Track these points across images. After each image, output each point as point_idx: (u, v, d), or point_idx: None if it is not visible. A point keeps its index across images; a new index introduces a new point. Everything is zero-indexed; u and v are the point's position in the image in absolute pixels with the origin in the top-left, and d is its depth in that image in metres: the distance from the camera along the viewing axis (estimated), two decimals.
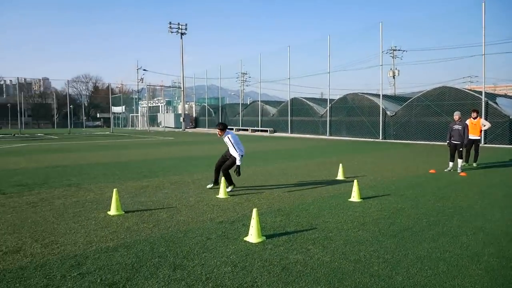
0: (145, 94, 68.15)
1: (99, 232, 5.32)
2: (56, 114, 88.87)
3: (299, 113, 36.20)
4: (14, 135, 39.32)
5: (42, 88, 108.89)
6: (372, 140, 27.21)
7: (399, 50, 53.84)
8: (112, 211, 6.39)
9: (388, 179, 9.95)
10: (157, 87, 73.67)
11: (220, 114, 50.58)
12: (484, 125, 13.66)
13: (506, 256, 4.40)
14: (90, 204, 7.13)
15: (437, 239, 5.02)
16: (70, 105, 54.19)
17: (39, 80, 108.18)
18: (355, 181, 7.67)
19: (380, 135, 27.41)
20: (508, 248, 4.67)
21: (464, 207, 6.84)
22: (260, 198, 7.60)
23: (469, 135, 11.76)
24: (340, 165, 10.50)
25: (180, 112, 58.92)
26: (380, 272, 3.94)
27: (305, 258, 4.34)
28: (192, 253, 4.50)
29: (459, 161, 11.30)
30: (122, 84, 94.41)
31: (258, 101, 43.26)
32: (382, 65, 28.35)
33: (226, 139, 8.16)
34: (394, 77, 55.14)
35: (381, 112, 27.44)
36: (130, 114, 72.69)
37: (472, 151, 12.68)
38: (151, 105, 65.09)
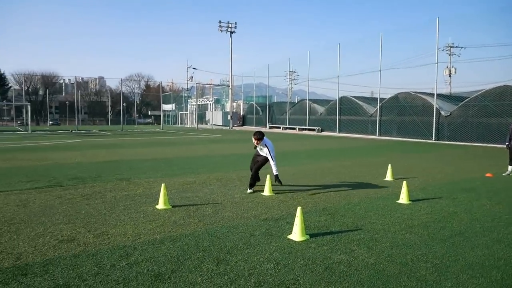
0: (194, 92, 69.57)
1: (147, 225, 5.50)
2: (110, 112, 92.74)
3: (347, 112, 35.58)
4: (71, 131, 41.46)
5: (97, 87, 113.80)
6: (424, 141, 26.24)
7: (456, 47, 51.61)
8: (160, 205, 6.59)
9: (440, 182, 9.57)
10: (206, 86, 74.89)
11: (268, 113, 50.65)
12: None
13: None
14: (139, 197, 7.39)
15: (491, 246, 4.77)
16: (123, 102, 56.31)
17: (95, 78, 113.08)
18: (404, 182, 7.43)
19: (433, 136, 26.38)
20: None
21: None
22: (305, 197, 7.55)
23: None
24: (389, 165, 10.22)
25: (228, 110, 59.65)
26: (427, 276, 3.80)
27: (349, 258, 4.27)
28: (236, 249, 4.54)
29: None
30: (172, 83, 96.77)
31: (306, 99, 42.93)
32: (437, 62, 27.12)
33: (265, 150, 7.88)
34: (450, 76, 52.87)
35: (434, 112, 26.37)
36: (180, 112, 74.37)
37: None
38: (200, 103, 66.27)
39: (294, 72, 67.74)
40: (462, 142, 24.22)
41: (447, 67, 52.19)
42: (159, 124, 64.20)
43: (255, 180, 8.13)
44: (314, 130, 39.18)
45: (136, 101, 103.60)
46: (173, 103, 73.36)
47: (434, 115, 26.37)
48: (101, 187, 8.42)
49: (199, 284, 3.59)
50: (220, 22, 52.52)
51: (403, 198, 7.20)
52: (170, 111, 76.39)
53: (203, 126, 61.19)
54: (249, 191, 7.99)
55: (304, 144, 22.90)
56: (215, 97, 72.74)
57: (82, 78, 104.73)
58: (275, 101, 57.71)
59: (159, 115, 69.13)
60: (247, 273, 3.84)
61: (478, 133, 23.71)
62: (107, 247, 4.56)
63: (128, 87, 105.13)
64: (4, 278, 3.66)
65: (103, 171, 10.90)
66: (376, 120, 31.61)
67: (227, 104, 65.47)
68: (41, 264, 4.02)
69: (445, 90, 49.42)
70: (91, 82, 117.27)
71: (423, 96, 28.23)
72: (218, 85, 77.03)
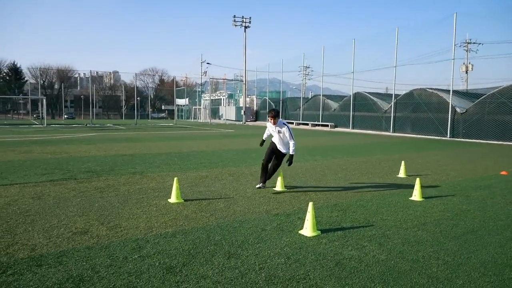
0: (208, 87, 69.70)
1: (160, 218, 5.56)
2: (124, 106, 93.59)
3: (361, 108, 35.32)
4: (86, 125, 42.01)
5: (112, 81, 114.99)
6: (438, 138, 25.94)
7: (474, 43, 50.78)
8: (173, 199, 6.64)
9: (454, 179, 9.46)
10: (220, 81, 75.00)
11: (281, 108, 50.56)
12: None
13: None
14: (152, 191, 7.46)
15: (504, 244, 4.71)
16: (137, 97, 56.81)
17: (110, 73, 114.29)
18: (418, 179, 7.37)
19: (448, 133, 26.05)
20: None
21: None
22: (317, 192, 7.53)
23: None
24: (403, 162, 10.14)
25: (241, 105, 59.68)
26: (439, 274, 3.78)
27: (360, 254, 4.26)
28: (247, 243, 4.57)
29: None
30: (186, 77, 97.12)
31: (320, 95, 42.69)
32: (454, 59, 26.66)
33: (284, 129, 7.48)
34: (467, 72, 52.07)
35: (450, 109, 26.01)
36: (193, 107, 74.69)
37: None
38: (214, 98, 66.46)
39: (308, 67, 67.51)
40: (477, 139, 23.88)
41: (464, 64, 51.43)
42: (173, 118, 64.56)
43: (266, 176, 7.90)
44: (327, 126, 38.99)
45: (150, 96, 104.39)
46: (186, 97, 73.70)
47: (450, 112, 26.02)
48: (115, 181, 8.52)
49: (210, 277, 3.62)
50: (234, 16, 52.49)
51: (416, 195, 7.14)
52: (183, 105, 76.78)
53: (216, 121, 61.36)
54: (259, 185, 7.84)
55: (317, 140, 22.83)
56: (228, 92, 72.83)
57: (97, 72, 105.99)
58: (289, 96, 57.55)
59: (173, 110, 69.52)
60: (258, 267, 3.87)
61: (494, 130, 23.34)
62: (119, 239, 4.63)
63: (142, 82, 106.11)
64: (19, 268, 3.75)
65: (116, 164, 11.02)
66: (391, 116, 31.32)
67: (240, 99, 65.50)
68: (55, 255, 4.09)
69: (461, 87, 48.73)
70: (105, 76, 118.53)
71: (439, 93, 27.84)
72: (232, 80, 77.05)
